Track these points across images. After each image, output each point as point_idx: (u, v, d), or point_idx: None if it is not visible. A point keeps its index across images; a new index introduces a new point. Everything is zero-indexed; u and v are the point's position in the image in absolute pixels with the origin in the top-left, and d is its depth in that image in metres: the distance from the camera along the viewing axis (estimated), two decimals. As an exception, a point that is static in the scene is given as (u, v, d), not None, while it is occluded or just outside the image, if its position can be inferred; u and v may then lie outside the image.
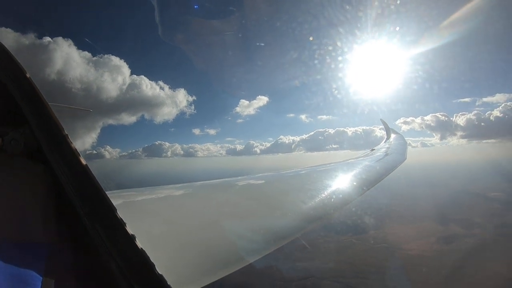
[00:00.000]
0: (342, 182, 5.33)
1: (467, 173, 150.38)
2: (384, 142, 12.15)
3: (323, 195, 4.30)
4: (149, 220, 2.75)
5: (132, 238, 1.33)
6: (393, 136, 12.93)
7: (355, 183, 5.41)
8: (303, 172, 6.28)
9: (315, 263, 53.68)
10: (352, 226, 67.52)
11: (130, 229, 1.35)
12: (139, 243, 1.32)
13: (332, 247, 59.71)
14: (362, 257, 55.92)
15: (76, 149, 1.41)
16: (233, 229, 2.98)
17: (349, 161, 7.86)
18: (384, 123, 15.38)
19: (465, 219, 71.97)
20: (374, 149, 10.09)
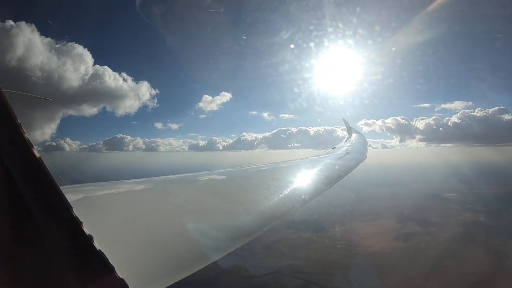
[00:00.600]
0: (304, 179, 5.36)
1: (425, 175, 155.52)
2: (345, 141, 12.29)
3: (286, 192, 4.27)
4: (107, 218, 2.62)
5: (89, 239, 1.23)
6: (354, 135, 13.08)
7: (317, 181, 5.46)
8: (265, 168, 6.28)
9: (277, 260, 53.99)
10: (313, 224, 68.36)
11: (87, 229, 1.24)
12: (97, 244, 1.23)
13: (293, 244, 60.26)
14: (323, 254, 56.97)
15: (29, 140, 1.22)
16: (196, 227, 2.91)
17: (311, 158, 7.95)
18: (346, 123, 15.59)
19: (423, 218, 74.51)
20: (335, 147, 10.27)
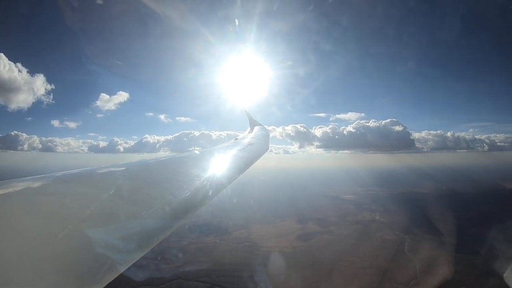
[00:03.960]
0: (209, 171, 4.98)
1: (325, 178, 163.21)
2: (248, 132, 11.97)
3: (193, 187, 3.94)
4: None
5: None
6: (256, 127, 12.75)
7: (224, 172, 5.20)
8: (165, 160, 5.74)
9: (180, 265, 52.94)
10: (216, 228, 68.58)
11: None
12: None
13: (196, 249, 59.61)
14: (226, 257, 57.03)
15: None
16: (92, 234, 2.41)
17: (214, 148, 7.68)
18: (248, 114, 15.04)
19: (322, 219, 78.20)
20: (237, 139, 9.96)
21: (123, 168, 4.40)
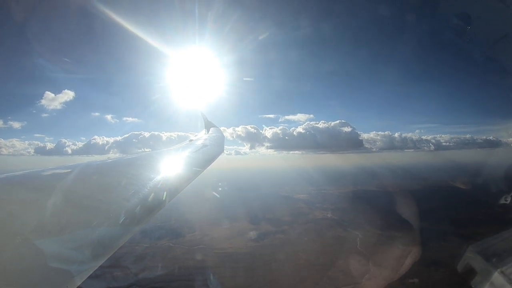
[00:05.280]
0: (164, 174, 4.72)
1: (277, 179, 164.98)
2: (204, 134, 11.77)
3: (147, 190, 3.70)
4: None
5: None
6: (211, 129, 12.62)
7: (179, 175, 5.06)
8: (115, 162, 5.32)
9: (132, 271, 51.17)
10: (169, 231, 67.37)
11: None
12: None
13: (150, 253, 58.18)
14: (180, 260, 56.00)
15: None
16: (41, 245, 2.13)
17: (168, 150, 7.39)
18: (203, 116, 14.75)
19: (275, 218, 79.03)
20: (192, 140, 9.76)
21: (73, 171, 3.93)
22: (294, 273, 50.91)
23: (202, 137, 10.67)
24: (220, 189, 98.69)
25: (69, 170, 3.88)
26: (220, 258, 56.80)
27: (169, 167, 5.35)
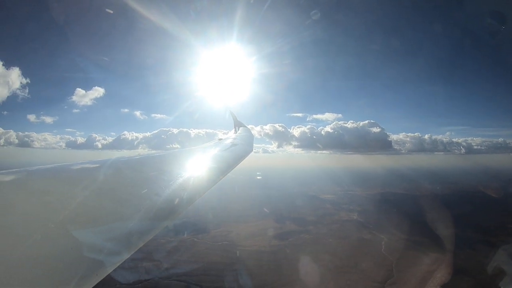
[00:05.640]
0: (194, 171, 4.85)
1: (303, 178, 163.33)
2: (233, 133, 11.83)
3: (177, 185, 3.78)
4: None
5: None
6: (241, 128, 12.60)
7: (208, 172, 5.08)
8: (146, 158, 5.35)
9: (156, 264, 52.49)
10: (193, 226, 68.16)
11: None
12: None
13: (173, 247, 58.96)
14: (204, 255, 56.86)
15: None
16: (75, 234, 2.26)
17: (198, 148, 7.47)
18: (233, 115, 14.65)
19: (301, 218, 78.53)
20: (221, 139, 9.73)
21: (105, 165, 4.13)
22: (316, 274, 50.74)
23: (231, 136, 10.77)
24: (246, 186, 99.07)
25: (100, 165, 4.07)
26: (243, 255, 57.03)
27: (199, 165, 5.48)
